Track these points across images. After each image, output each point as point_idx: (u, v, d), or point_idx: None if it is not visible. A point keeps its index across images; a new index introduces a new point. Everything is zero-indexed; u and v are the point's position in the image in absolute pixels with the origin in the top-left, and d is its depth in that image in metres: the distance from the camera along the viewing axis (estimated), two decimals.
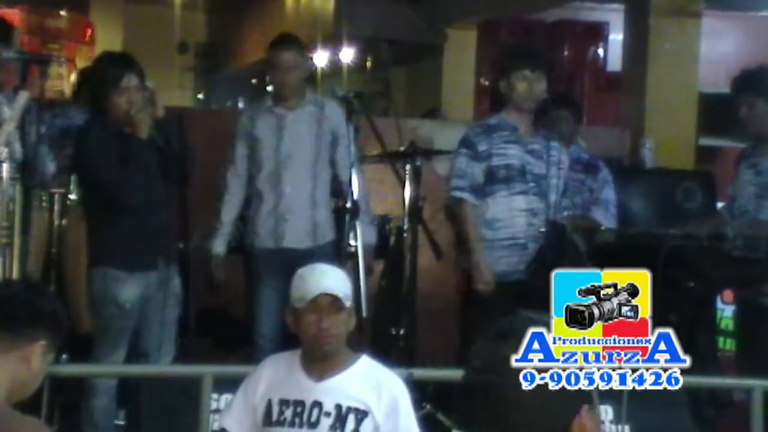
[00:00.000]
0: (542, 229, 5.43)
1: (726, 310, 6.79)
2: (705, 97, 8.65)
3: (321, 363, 3.71)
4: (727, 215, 5.77)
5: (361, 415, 3.64)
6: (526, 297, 5.10)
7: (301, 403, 3.67)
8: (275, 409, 3.70)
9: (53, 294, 3.07)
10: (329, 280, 3.71)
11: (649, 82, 8.14)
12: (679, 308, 5.30)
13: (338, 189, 5.74)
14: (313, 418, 3.65)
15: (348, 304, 3.70)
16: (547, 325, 2.21)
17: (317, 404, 3.66)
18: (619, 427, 4.99)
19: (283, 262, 5.33)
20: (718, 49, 10.12)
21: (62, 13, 11.78)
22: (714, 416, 5.75)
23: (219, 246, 5.71)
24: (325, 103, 5.78)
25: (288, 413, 3.68)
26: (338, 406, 3.66)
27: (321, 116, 5.67)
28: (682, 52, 8.20)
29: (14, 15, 10.93)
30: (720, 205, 6.29)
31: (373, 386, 3.66)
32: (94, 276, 5.15)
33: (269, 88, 6.01)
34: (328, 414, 3.65)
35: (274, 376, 3.76)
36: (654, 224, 6.40)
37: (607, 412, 5.05)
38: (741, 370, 5.57)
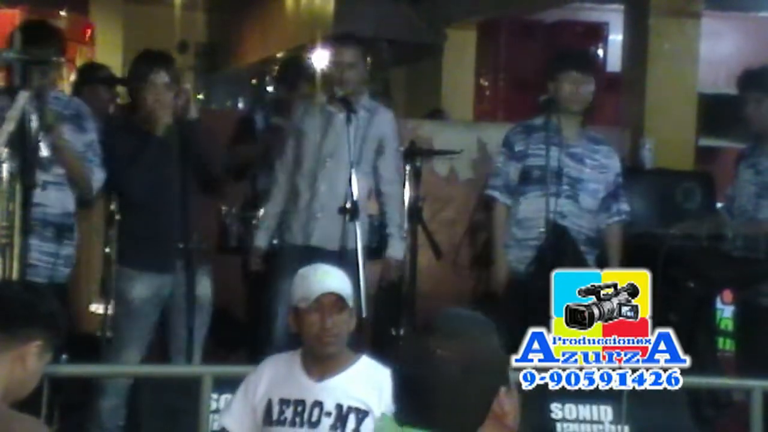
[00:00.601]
0: (541, 230, 5.41)
1: (725, 311, 6.79)
2: (705, 97, 8.64)
3: (322, 363, 3.71)
4: (726, 215, 5.77)
5: (362, 415, 3.64)
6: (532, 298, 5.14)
7: (302, 402, 3.68)
8: (275, 409, 3.70)
9: (52, 294, 3.06)
10: (332, 279, 3.71)
11: (649, 83, 8.13)
12: (679, 308, 5.30)
13: (377, 200, 5.72)
14: (314, 418, 3.65)
15: (350, 303, 3.70)
16: (474, 321, 2.36)
17: (318, 404, 3.66)
18: (619, 427, 4.98)
19: (309, 261, 5.30)
20: (718, 50, 10.12)
21: (62, 13, 11.76)
22: (714, 417, 5.76)
23: (261, 240, 5.71)
24: (379, 111, 5.68)
25: (288, 413, 3.68)
26: (339, 406, 3.66)
27: (370, 123, 5.57)
28: (681, 53, 8.19)
29: (14, 15, 10.95)
30: (719, 205, 6.29)
31: (373, 386, 3.66)
32: (115, 274, 5.20)
33: (269, 89, 6.03)
34: (328, 414, 3.66)
35: (275, 376, 3.77)
36: (654, 224, 6.40)
37: (606, 412, 5.05)
38: (741, 371, 5.57)
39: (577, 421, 5.08)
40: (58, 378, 4.82)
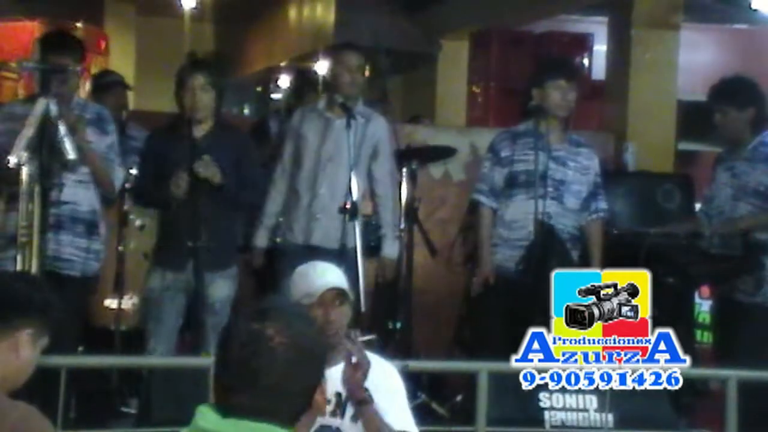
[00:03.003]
0: (530, 230, 5.40)
1: (703, 305, 6.81)
2: (684, 104, 8.66)
3: None
4: (704, 217, 5.77)
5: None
6: (521, 294, 5.14)
7: None
8: None
9: (45, 284, 2.99)
10: (333, 275, 3.71)
11: (631, 90, 8.14)
12: (660, 303, 5.30)
13: (372, 201, 5.70)
14: None
15: (351, 297, 3.71)
16: (302, 312, 2.37)
17: None
18: (603, 415, 4.98)
19: (310, 259, 5.27)
20: (696, 59, 10.12)
21: (78, 24, 11.78)
22: (692, 404, 5.76)
23: (261, 239, 5.68)
24: (373, 117, 5.67)
25: None
26: (338, 394, 3.66)
27: (366, 129, 5.55)
28: (662, 62, 8.21)
29: (33, 26, 10.96)
30: (698, 206, 6.30)
31: (371, 377, 3.66)
32: (150, 272, 5.34)
33: (274, 96, 6.02)
34: (328, 401, 3.65)
35: None
36: (636, 224, 6.40)
37: (591, 401, 5.05)
38: (717, 361, 5.58)
39: (563, 409, 5.07)
40: (75, 368, 4.83)
